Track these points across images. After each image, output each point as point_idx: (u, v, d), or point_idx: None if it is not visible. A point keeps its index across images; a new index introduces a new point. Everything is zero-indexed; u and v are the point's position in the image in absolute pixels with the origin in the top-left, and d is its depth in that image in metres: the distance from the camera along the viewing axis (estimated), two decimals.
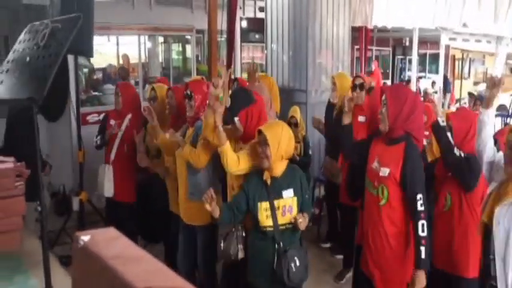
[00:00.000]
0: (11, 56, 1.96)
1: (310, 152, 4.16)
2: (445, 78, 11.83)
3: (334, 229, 4.42)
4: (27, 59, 1.85)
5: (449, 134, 2.52)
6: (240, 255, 2.50)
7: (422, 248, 2.26)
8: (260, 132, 2.36)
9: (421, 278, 2.28)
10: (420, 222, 2.28)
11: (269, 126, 2.44)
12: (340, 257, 4.09)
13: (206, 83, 3.14)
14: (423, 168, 2.45)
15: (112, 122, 3.74)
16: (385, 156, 2.42)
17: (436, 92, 9.45)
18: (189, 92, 2.91)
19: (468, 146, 2.51)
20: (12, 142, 3.45)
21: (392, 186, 2.37)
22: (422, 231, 2.27)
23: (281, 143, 2.32)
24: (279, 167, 2.39)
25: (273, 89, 3.92)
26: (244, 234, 2.52)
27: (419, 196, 2.31)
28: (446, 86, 10.82)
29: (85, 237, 0.90)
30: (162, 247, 3.71)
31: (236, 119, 2.57)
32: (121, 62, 8.23)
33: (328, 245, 4.42)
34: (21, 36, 2.03)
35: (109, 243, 0.88)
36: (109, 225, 1.05)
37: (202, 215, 2.67)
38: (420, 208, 2.29)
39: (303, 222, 2.31)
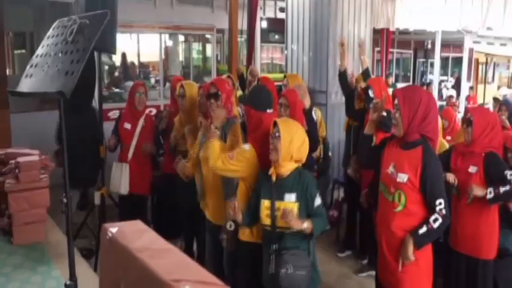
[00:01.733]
0: (39, 51, 2.00)
1: (330, 154, 4.14)
2: (458, 80, 11.63)
3: (352, 235, 4.38)
4: (56, 54, 1.88)
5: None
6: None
7: (424, 228, 2.26)
8: (275, 124, 2.33)
9: (409, 246, 2.27)
10: (434, 216, 2.26)
11: (286, 121, 2.40)
12: (365, 261, 4.07)
13: (227, 81, 3.13)
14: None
15: (127, 125, 3.77)
16: (402, 161, 2.35)
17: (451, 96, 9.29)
18: (215, 91, 2.84)
19: (485, 142, 2.62)
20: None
21: (411, 192, 2.31)
22: (434, 221, 2.25)
23: (293, 142, 2.26)
24: (287, 167, 2.31)
25: (302, 87, 3.96)
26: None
27: (438, 201, 2.26)
28: (460, 89, 10.61)
29: (113, 229, 0.91)
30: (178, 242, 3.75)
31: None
32: (142, 60, 8.32)
33: (344, 254, 4.33)
34: (50, 32, 2.06)
35: (136, 235, 0.89)
36: (123, 219, 1.06)
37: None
38: (440, 212, 2.27)
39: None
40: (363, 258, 4.14)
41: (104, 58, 5.71)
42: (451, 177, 2.69)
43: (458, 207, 2.74)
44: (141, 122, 3.76)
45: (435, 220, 2.25)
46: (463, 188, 2.67)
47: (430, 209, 2.29)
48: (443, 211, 2.26)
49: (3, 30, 4.83)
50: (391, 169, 2.39)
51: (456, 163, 2.77)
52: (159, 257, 0.82)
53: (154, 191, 4.07)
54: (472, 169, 2.67)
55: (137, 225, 0.94)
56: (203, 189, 2.95)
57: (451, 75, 13.42)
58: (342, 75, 4.21)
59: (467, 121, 2.76)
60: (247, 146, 2.51)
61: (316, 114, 4.15)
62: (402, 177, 2.32)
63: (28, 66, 1.94)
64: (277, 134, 2.28)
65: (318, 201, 2.30)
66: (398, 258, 2.35)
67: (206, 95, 2.92)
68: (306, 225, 2.20)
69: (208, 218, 2.94)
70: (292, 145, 2.26)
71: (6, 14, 4.83)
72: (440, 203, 2.26)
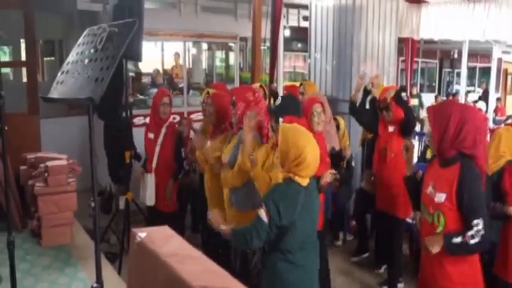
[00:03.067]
0: (70, 58, 2.05)
1: (353, 164, 4.11)
2: (485, 92, 11.33)
3: (364, 240, 4.38)
4: (86, 61, 1.93)
5: None
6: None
7: (459, 239, 2.11)
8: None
9: (435, 242, 2.15)
10: (471, 232, 2.11)
11: (296, 131, 2.24)
12: (381, 271, 4.01)
13: (252, 90, 3.13)
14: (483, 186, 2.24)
15: (150, 135, 3.84)
16: (440, 180, 2.25)
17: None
18: (233, 99, 2.88)
19: None
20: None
21: (449, 212, 2.19)
22: (471, 237, 2.11)
23: (290, 153, 2.14)
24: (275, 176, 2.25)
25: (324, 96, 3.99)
26: None
27: (476, 221, 2.11)
28: (487, 101, 10.35)
29: (142, 234, 0.92)
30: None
31: (281, 120, 2.56)
32: (165, 67, 8.45)
33: (356, 259, 4.32)
34: (80, 40, 2.12)
35: (165, 241, 0.90)
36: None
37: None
38: (476, 234, 2.12)
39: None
40: (378, 267, 4.09)
41: (129, 65, 5.82)
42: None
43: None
44: (163, 130, 3.81)
45: (472, 237, 2.11)
46: None
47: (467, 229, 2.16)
48: (482, 231, 2.11)
49: (34, 39, 4.99)
50: (430, 189, 2.29)
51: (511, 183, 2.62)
52: (187, 263, 0.83)
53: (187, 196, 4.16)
54: None
55: (165, 231, 0.95)
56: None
57: (479, 86, 13.12)
58: (353, 106, 4.05)
59: None
60: None
61: (340, 123, 4.15)
62: (440, 197, 2.21)
63: (59, 73, 1.99)
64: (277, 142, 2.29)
65: (260, 212, 2.14)
66: (441, 278, 2.26)
67: (225, 102, 2.96)
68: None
69: None
70: (289, 157, 2.16)
71: (37, 23, 5.00)
72: (477, 224, 2.10)
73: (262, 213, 2.12)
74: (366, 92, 3.93)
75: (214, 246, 3.31)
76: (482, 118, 2.53)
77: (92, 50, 1.96)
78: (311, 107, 3.07)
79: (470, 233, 2.11)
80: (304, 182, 2.19)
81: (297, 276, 2.20)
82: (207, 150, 3.00)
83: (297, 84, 4.86)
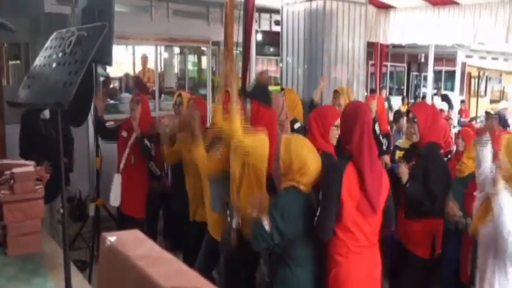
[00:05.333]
0: (37, 61, 2.01)
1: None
2: (445, 96, 11.71)
3: None
4: (54, 65, 1.90)
5: None
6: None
7: None
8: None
9: None
10: None
11: (298, 141, 2.27)
12: None
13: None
14: None
15: (124, 133, 3.83)
16: None
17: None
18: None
19: None
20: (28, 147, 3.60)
21: None
22: None
23: (293, 164, 2.18)
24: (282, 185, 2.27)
25: (298, 105, 4.06)
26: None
27: None
28: (449, 104, 10.71)
29: (112, 238, 0.92)
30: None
31: (248, 102, 2.61)
32: (137, 71, 8.35)
33: None
34: (48, 43, 2.08)
35: (136, 244, 0.90)
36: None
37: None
38: None
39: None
40: None
41: (98, 69, 5.73)
42: None
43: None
44: (136, 131, 3.77)
45: None
46: None
47: None
48: None
49: None
50: None
51: None
52: (158, 265, 0.83)
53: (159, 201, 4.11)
54: None
55: (136, 234, 0.95)
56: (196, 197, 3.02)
57: (445, 89, 13.55)
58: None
59: None
60: None
61: None
62: None
63: (26, 77, 1.96)
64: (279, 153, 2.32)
65: (262, 219, 2.15)
66: None
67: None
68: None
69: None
70: (293, 168, 2.21)
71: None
72: None
73: (265, 220, 2.12)
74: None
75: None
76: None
77: (60, 54, 1.93)
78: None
79: None
80: (308, 189, 2.22)
81: None
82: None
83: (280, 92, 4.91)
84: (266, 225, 2.11)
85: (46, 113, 3.65)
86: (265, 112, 2.77)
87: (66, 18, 5.53)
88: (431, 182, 2.69)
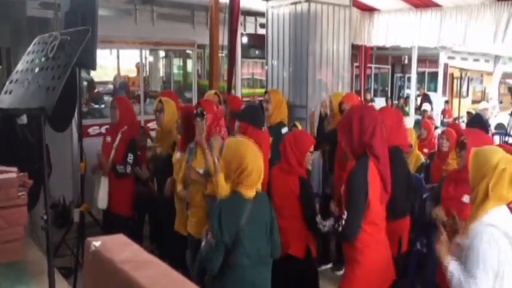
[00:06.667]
0: (20, 66, 1.99)
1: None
2: (425, 96, 11.91)
3: (327, 248, 4.40)
4: (36, 69, 1.88)
5: None
6: None
7: None
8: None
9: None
10: None
11: (239, 143, 2.26)
12: (340, 273, 4.09)
13: (216, 103, 3.19)
14: None
15: (108, 138, 3.83)
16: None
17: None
18: (199, 111, 2.91)
19: None
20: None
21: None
22: None
23: (232, 163, 2.16)
24: (223, 188, 2.24)
25: (283, 105, 4.14)
26: None
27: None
28: (426, 103, 10.89)
29: (96, 243, 0.91)
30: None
31: (237, 124, 2.62)
32: (122, 74, 8.31)
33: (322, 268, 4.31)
34: (30, 48, 2.06)
35: (120, 248, 0.89)
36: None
37: None
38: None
39: None
40: (339, 269, 4.15)
41: (82, 73, 5.67)
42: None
43: None
44: (119, 135, 3.76)
45: None
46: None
47: None
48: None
49: None
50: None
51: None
52: (143, 269, 0.83)
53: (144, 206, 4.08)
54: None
55: (121, 238, 0.94)
56: (186, 206, 2.99)
57: (428, 90, 13.78)
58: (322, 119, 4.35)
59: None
60: None
61: (298, 128, 4.25)
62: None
63: (7, 82, 1.93)
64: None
65: (208, 237, 2.20)
66: None
67: (193, 115, 2.97)
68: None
69: (191, 233, 2.96)
70: (231, 168, 2.22)
71: None
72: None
73: (209, 236, 2.12)
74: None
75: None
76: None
77: (43, 59, 1.91)
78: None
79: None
80: (250, 193, 2.18)
81: None
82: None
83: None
84: (211, 238, 2.11)
85: (23, 118, 3.59)
86: (254, 132, 2.75)
87: (49, 23, 5.46)
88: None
